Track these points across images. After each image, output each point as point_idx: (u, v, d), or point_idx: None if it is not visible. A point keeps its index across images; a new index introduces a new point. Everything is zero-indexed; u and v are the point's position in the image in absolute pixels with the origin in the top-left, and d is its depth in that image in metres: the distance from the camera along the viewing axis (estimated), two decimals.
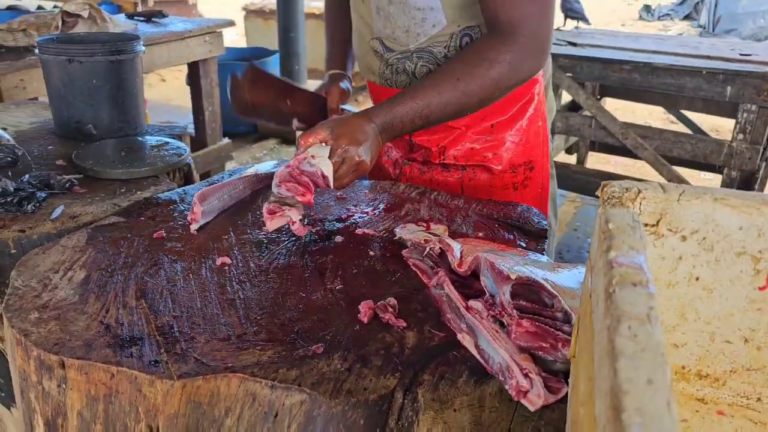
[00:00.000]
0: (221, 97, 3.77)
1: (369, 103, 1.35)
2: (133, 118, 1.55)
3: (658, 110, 5.41)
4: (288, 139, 4.89)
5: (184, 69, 3.66)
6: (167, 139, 1.47)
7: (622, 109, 5.85)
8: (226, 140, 3.81)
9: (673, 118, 4.24)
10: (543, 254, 1.01)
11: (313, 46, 5.76)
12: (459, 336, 0.79)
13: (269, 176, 1.27)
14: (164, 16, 3.51)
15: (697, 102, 3.41)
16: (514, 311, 0.71)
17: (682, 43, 3.45)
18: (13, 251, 1.04)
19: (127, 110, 1.54)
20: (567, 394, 0.67)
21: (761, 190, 2.93)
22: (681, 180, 3.05)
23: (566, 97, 3.46)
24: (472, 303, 0.79)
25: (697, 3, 11.25)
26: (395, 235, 1.04)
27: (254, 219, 1.11)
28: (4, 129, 1.48)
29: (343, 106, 1.40)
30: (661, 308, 0.64)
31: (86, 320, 0.81)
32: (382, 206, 1.18)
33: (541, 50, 1.11)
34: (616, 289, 0.42)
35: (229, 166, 3.91)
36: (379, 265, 0.97)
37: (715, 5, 9.71)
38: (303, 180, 1.01)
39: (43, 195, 1.14)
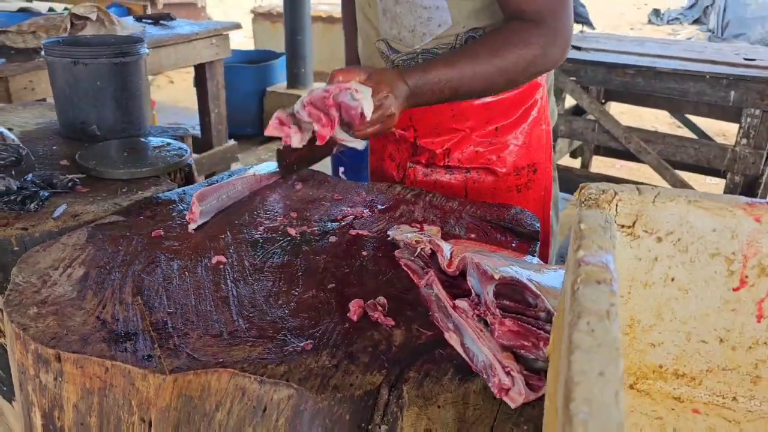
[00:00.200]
0: (227, 99, 3.81)
1: None
2: (137, 119, 1.58)
3: (665, 115, 5.40)
4: None
5: (193, 71, 3.70)
6: (169, 140, 1.50)
7: (629, 114, 5.85)
8: (231, 142, 3.84)
9: (680, 123, 4.24)
10: (534, 256, 1.03)
11: (319, 48, 5.80)
12: (446, 335, 0.81)
13: (268, 177, 1.29)
14: (172, 18, 3.55)
15: (702, 106, 3.41)
16: (497, 310, 0.73)
17: (687, 47, 3.45)
18: (16, 248, 1.06)
19: (130, 111, 1.56)
20: None
21: (765, 195, 2.93)
22: (685, 184, 3.05)
23: (570, 101, 3.47)
24: (458, 302, 0.80)
25: (707, 7, 11.22)
26: (388, 236, 1.06)
27: (251, 219, 1.13)
28: (10, 129, 1.51)
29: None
30: (638, 308, 0.65)
31: (83, 316, 0.83)
32: (377, 207, 1.20)
33: (566, 39, 1.13)
34: (580, 286, 0.44)
35: (235, 167, 3.94)
36: (372, 265, 0.99)
37: (724, 10, 9.68)
38: (331, 112, 1.01)
39: (46, 194, 1.16)
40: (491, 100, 1.28)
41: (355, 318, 0.84)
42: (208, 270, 0.95)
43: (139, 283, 0.91)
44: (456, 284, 0.88)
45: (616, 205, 0.61)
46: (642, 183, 0.73)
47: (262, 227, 1.10)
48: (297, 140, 1.00)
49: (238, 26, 3.72)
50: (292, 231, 1.08)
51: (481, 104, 1.28)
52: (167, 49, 3.21)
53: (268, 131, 1.02)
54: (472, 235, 1.09)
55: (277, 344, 0.79)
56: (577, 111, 3.56)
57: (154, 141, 1.50)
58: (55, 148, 1.49)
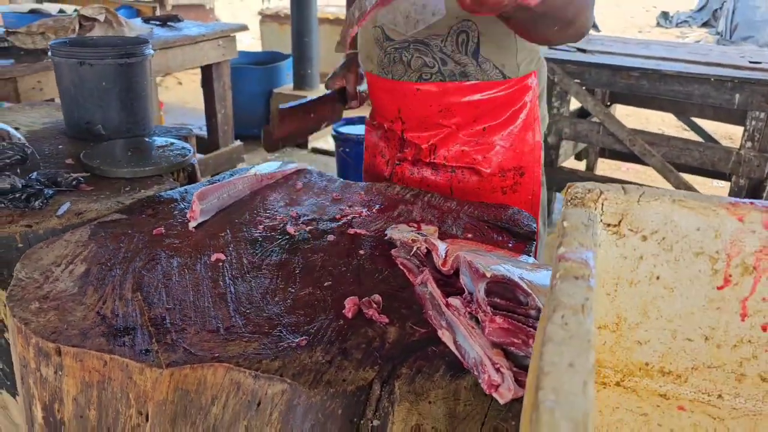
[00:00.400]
0: (234, 100, 3.83)
1: (364, 111, 1.40)
2: (141, 120, 1.60)
3: (672, 117, 5.39)
4: (300, 143, 4.94)
5: (200, 72, 3.73)
6: (173, 140, 1.51)
7: (635, 116, 5.84)
8: (237, 143, 3.87)
9: (686, 126, 4.23)
10: (530, 256, 1.04)
11: (326, 50, 5.82)
12: (439, 332, 0.82)
13: (268, 177, 1.31)
14: (179, 20, 3.58)
15: (708, 109, 3.40)
16: (488, 308, 0.74)
17: (692, 50, 3.45)
18: (20, 245, 1.08)
19: (135, 111, 1.58)
20: None
21: None
22: (689, 187, 3.05)
23: (575, 104, 3.47)
24: (451, 300, 0.81)
25: (716, 10, 11.17)
26: (386, 236, 1.07)
27: (251, 218, 1.15)
28: (17, 128, 1.54)
29: (360, 88, 1.46)
30: (624, 306, 0.66)
31: (84, 311, 0.85)
32: (375, 207, 1.21)
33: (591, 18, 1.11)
34: (558, 281, 0.45)
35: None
36: (368, 264, 1.00)
37: (733, 12, 9.64)
38: None
39: (51, 192, 1.18)
40: (478, 98, 1.29)
41: (349, 315, 0.85)
42: (207, 267, 0.97)
43: (139, 280, 0.93)
44: (450, 283, 0.89)
45: (602, 204, 0.62)
46: (644, 185, 0.73)
47: (262, 226, 1.12)
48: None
49: (244, 28, 3.75)
50: (291, 230, 1.10)
51: (468, 102, 1.30)
52: (174, 50, 3.23)
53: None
54: (469, 235, 1.10)
55: (272, 340, 0.80)
56: (582, 113, 3.56)
57: (158, 141, 1.52)
58: (60, 147, 1.51)
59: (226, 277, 0.94)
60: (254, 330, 0.82)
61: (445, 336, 0.81)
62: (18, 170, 1.21)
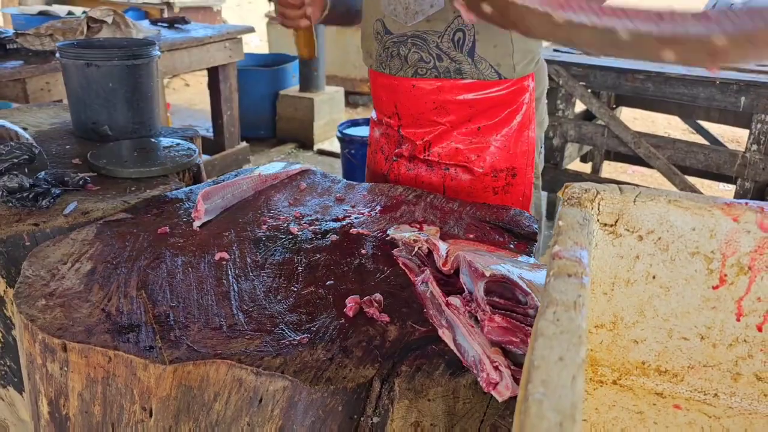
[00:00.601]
0: (240, 102, 3.85)
1: (369, 113, 1.39)
2: (148, 120, 1.62)
3: (678, 120, 5.38)
4: (306, 145, 4.96)
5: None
6: (179, 141, 1.53)
7: (641, 119, 5.83)
8: (243, 144, 3.89)
9: (692, 129, 4.22)
10: (531, 256, 1.04)
11: (332, 52, 5.84)
12: (440, 331, 0.83)
13: (272, 177, 1.32)
14: (186, 22, 3.61)
15: (714, 112, 3.40)
16: (487, 307, 0.75)
17: None
18: (28, 243, 1.09)
19: (142, 112, 1.60)
20: None
21: None
22: (694, 190, 3.05)
23: (580, 106, 3.47)
24: (451, 299, 0.82)
25: None
26: (388, 236, 1.08)
27: (255, 217, 1.16)
28: (25, 129, 1.55)
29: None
30: (621, 305, 0.67)
31: (89, 308, 0.86)
32: (378, 208, 1.22)
33: None
34: (551, 279, 0.46)
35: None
36: (370, 263, 1.01)
37: None
38: None
39: (58, 191, 1.20)
40: (473, 97, 1.30)
41: (351, 314, 0.86)
42: (210, 266, 0.98)
43: (143, 278, 0.94)
44: (451, 282, 0.90)
45: (599, 204, 0.63)
46: (640, 186, 0.74)
47: (266, 225, 1.13)
48: None
49: (251, 30, 3.77)
50: (294, 229, 1.11)
51: (462, 100, 1.31)
52: (181, 52, 3.26)
53: None
54: (471, 236, 1.11)
55: (274, 338, 0.81)
56: (587, 116, 3.56)
57: (164, 141, 1.53)
58: (68, 147, 1.53)
59: (230, 276, 0.95)
60: (256, 328, 0.83)
61: (445, 335, 0.82)
62: (26, 170, 1.22)
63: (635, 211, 0.62)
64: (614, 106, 3.75)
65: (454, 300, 0.81)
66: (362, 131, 3.71)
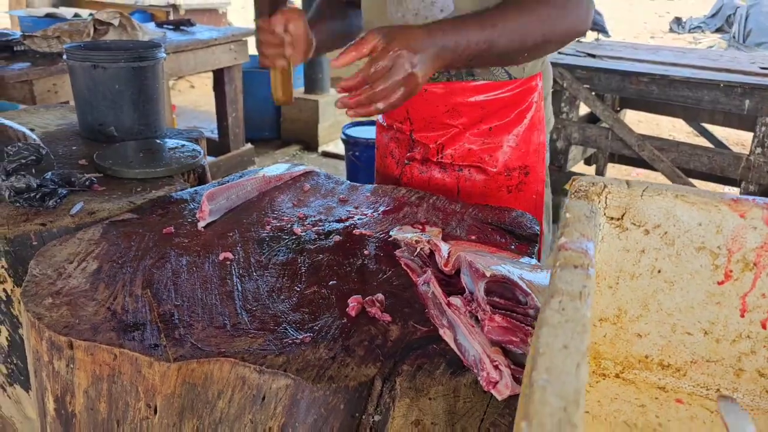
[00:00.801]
0: (245, 104, 3.87)
1: None
2: (153, 122, 1.63)
3: (683, 124, 5.38)
4: (310, 146, 4.97)
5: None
6: (184, 142, 1.54)
7: (646, 122, 5.83)
8: (248, 146, 3.91)
9: (697, 132, 4.22)
10: (533, 257, 1.05)
11: (335, 54, 5.84)
12: (441, 331, 0.84)
13: (277, 179, 1.33)
14: (192, 24, 3.63)
15: (718, 115, 3.40)
16: (488, 307, 0.76)
17: (702, 55, 3.44)
18: (35, 243, 1.11)
19: (147, 114, 1.61)
20: None
21: None
22: None
23: (584, 109, 3.47)
24: (452, 299, 0.83)
25: (729, 16, 11.12)
26: (390, 237, 1.09)
27: (259, 218, 1.17)
28: (32, 130, 1.57)
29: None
30: (625, 299, 0.68)
31: (95, 306, 0.87)
32: (381, 209, 1.23)
33: (588, 11, 1.15)
34: (557, 269, 0.46)
35: None
36: (372, 264, 1.02)
37: (746, 18, 9.59)
38: None
39: (64, 192, 1.21)
40: (484, 98, 1.31)
41: (353, 313, 0.87)
42: (215, 266, 0.99)
43: (149, 277, 0.95)
44: (452, 283, 0.91)
45: (606, 198, 0.64)
46: (653, 183, 0.76)
47: (269, 226, 1.14)
48: None
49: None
50: (297, 230, 1.12)
51: (474, 102, 1.32)
52: (187, 54, 3.28)
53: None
54: (473, 237, 1.12)
55: (277, 336, 0.82)
56: (591, 118, 3.56)
57: (170, 143, 1.55)
58: (74, 148, 1.55)
59: (234, 276, 0.97)
60: (260, 326, 0.84)
61: (446, 335, 0.83)
62: (33, 170, 1.24)
63: (642, 205, 0.63)
64: (618, 109, 3.75)
65: (455, 300, 0.82)
66: (367, 133, 3.72)
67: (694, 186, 3.03)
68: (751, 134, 2.91)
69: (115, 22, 2.94)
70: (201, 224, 1.12)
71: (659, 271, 0.66)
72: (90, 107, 1.57)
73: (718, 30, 11.51)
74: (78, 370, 0.81)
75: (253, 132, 4.61)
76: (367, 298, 0.90)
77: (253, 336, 0.82)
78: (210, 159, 3.68)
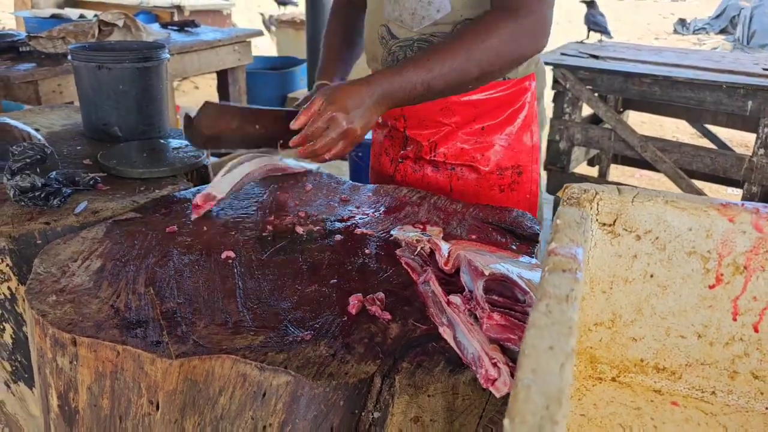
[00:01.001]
0: (248, 105, 3.88)
1: None
2: (157, 122, 1.64)
3: (686, 125, 5.37)
4: None
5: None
6: (187, 142, 1.55)
7: (649, 123, 5.82)
8: None
9: (700, 133, 4.21)
10: (533, 257, 1.06)
11: None
12: (440, 329, 0.84)
13: (279, 168, 1.36)
14: (196, 25, 3.64)
15: (721, 116, 3.40)
16: (486, 305, 0.76)
17: (705, 57, 3.44)
18: (39, 242, 1.12)
19: (151, 114, 1.63)
20: None
21: None
22: (700, 194, 3.04)
23: (587, 110, 3.47)
24: (452, 298, 0.84)
25: (734, 17, 11.10)
26: (391, 236, 1.09)
27: (261, 218, 1.18)
28: (37, 129, 1.58)
29: None
30: (619, 303, 0.68)
31: (98, 304, 0.88)
32: (382, 208, 1.24)
33: (542, 30, 1.16)
34: (546, 274, 0.47)
35: None
36: (373, 263, 1.03)
37: (750, 19, 9.58)
38: None
39: (69, 191, 1.22)
40: (477, 98, 1.32)
41: (353, 311, 0.88)
42: (217, 264, 1.00)
43: (151, 275, 0.96)
44: (452, 282, 0.92)
45: (597, 204, 0.64)
46: (644, 189, 0.76)
47: (272, 225, 1.15)
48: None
49: (259, 33, 3.80)
50: (299, 229, 1.13)
51: (467, 101, 1.33)
52: (191, 55, 3.29)
53: None
54: (473, 237, 1.13)
55: (278, 334, 0.83)
56: (594, 119, 3.56)
57: (173, 143, 1.56)
58: (79, 148, 1.56)
59: (236, 274, 0.97)
60: (261, 324, 0.85)
61: (445, 333, 0.83)
62: (38, 170, 1.25)
63: (633, 211, 0.64)
64: (621, 110, 3.76)
65: (455, 298, 0.83)
66: (370, 134, 3.72)
67: (697, 187, 3.03)
68: (754, 135, 2.91)
69: (120, 23, 2.95)
70: (194, 216, 1.15)
71: (652, 276, 0.67)
72: (94, 107, 1.58)
73: (723, 31, 11.49)
74: (81, 366, 0.82)
75: None
76: (367, 297, 0.90)
77: (255, 333, 0.83)
78: (213, 159, 3.69)
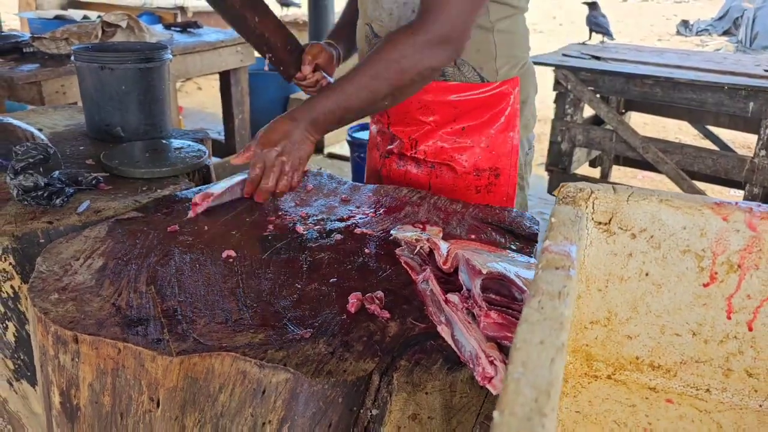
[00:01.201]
0: (251, 106, 3.90)
1: None
2: (159, 122, 1.65)
3: (689, 126, 5.37)
4: (316, 148, 4.99)
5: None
6: (189, 143, 1.56)
7: (652, 125, 5.82)
8: None
9: (702, 134, 4.21)
10: (531, 257, 1.06)
11: None
12: (439, 328, 0.85)
13: None
14: (199, 26, 3.66)
15: (723, 117, 3.40)
16: (484, 303, 0.77)
17: (707, 58, 3.44)
18: (42, 241, 1.13)
19: (153, 114, 1.64)
20: None
21: None
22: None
23: (588, 111, 3.48)
24: (450, 296, 0.84)
25: (737, 18, 11.08)
26: (391, 236, 1.10)
27: (262, 217, 1.19)
28: (40, 130, 1.59)
29: (325, 75, 1.47)
30: (615, 301, 0.69)
31: (100, 302, 0.89)
32: (382, 208, 1.25)
33: (445, 39, 1.15)
34: (540, 271, 0.48)
35: None
36: (373, 262, 1.03)
37: (753, 21, 9.56)
38: None
39: (71, 191, 1.23)
40: (456, 98, 1.34)
41: (353, 310, 0.89)
42: (218, 263, 1.01)
43: (153, 274, 0.97)
44: (451, 281, 0.92)
45: (593, 203, 0.65)
46: (639, 188, 0.76)
47: (272, 225, 1.16)
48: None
49: None
50: (300, 229, 1.14)
51: (446, 100, 1.35)
52: (193, 56, 3.31)
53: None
54: (473, 236, 1.13)
55: (278, 332, 0.83)
56: (596, 120, 3.56)
57: (175, 143, 1.57)
58: (81, 148, 1.57)
59: (236, 273, 0.98)
60: (261, 322, 0.86)
61: (444, 331, 0.84)
62: (41, 169, 1.26)
63: (628, 210, 0.64)
64: (623, 111, 3.76)
65: (453, 297, 0.84)
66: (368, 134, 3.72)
67: (699, 188, 3.03)
68: (756, 137, 2.90)
69: (123, 24, 2.97)
70: (191, 215, 1.17)
71: (647, 274, 0.67)
72: (97, 108, 1.60)
73: (726, 33, 11.48)
74: (83, 364, 0.83)
75: None
76: (366, 295, 0.91)
77: (255, 331, 0.83)
78: (216, 160, 3.70)
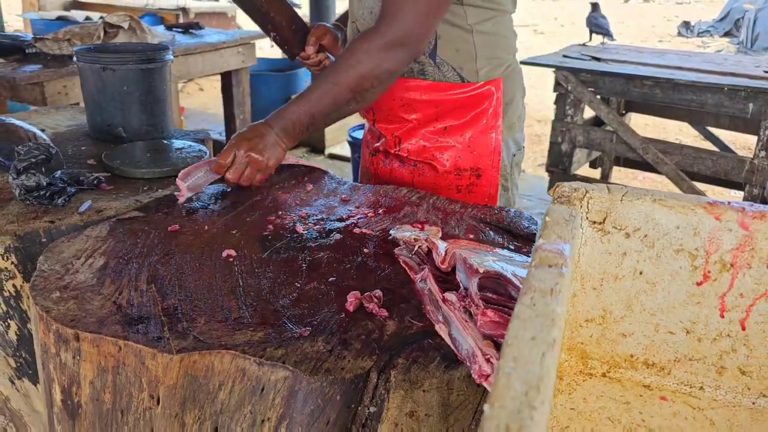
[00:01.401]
0: (252, 106, 3.91)
1: None
2: (161, 123, 1.66)
3: (689, 127, 5.37)
4: (317, 149, 5.01)
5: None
6: (190, 143, 1.57)
7: (652, 126, 5.83)
8: None
9: (702, 135, 4.21)
10: (529, 256, 1.07)
11: None
12: (436, 326, 0.86)
13: None
14: (201, 27, 3.67)
15: (723, 119, 3.40)
16: (481, 302, 0.78)
17: (707, 59, 3.45)
18: (44, 240, 1.14)
19: (155, 115, 1.65)
20: None
21: None
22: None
23: (589, 112, 3.48)
24: (447, 295, 0.85)
25: (738, 20, 11.09)
26: (390, 235, 1.11)
27: (262, 217, 1.20)
28: (43, 130, 1.61)
29: (330, 56, 1.50)
30: (609, 300, 0.70)
31: (101, 300, 0.90)
32: (382, 209, 1.26)
33: (401, 44, 1.18)
34: (533, 269, 0.49)
35: None
36: (371, 261, 1.04)
37: (754, 22, 9.56)
38: None
39: (73, 190, 1.24)
40: (437, 96, 1.35)
41: (351, 309, 0.90)
42: (218, 262, 1.02)
43: (154, 273, 0.98)
44: (449, 280, 0.93)
45: (587, 203, 0.66)
46: (633, 188, 0.77)
47: (272, 225, 1.16)
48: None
49: (263, 35, 3.82)
50: (299, 228, 1.15)
51: (427, 99, 1.36)
52: (195, 56, 3.32)
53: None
54: (471, 236, 1.14)
55: (277, 330, 0.84)
56: (597, 121, 3.57)
57: (176, 143, 1.58)
58: (83, 148, 1.58)
59: (236, 272, 0.99)
60: (261, 321, 0.87)
61: (441, 330, 0.85)
62: (43, 169, 1.27)
63: (622, 209, 0.65)
64: (623, 112, 3.76)
65: (450, 296, 0.84)
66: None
67: (699, 189, 3.04)
68: (756, 138, 2.91)
69: (125, 25, 2.98)
70: (180, 201, 1.21)
71: (641, 273, 0.68)
72: (99, 108, 1.61)
73: (727, 34, 11.48)
74: (84, 361, 0.84)
75: None
76: (365, 294, 0.92)
77: (254, 329, 0.84)
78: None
